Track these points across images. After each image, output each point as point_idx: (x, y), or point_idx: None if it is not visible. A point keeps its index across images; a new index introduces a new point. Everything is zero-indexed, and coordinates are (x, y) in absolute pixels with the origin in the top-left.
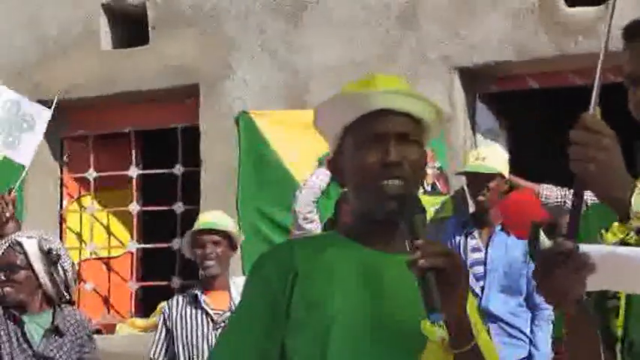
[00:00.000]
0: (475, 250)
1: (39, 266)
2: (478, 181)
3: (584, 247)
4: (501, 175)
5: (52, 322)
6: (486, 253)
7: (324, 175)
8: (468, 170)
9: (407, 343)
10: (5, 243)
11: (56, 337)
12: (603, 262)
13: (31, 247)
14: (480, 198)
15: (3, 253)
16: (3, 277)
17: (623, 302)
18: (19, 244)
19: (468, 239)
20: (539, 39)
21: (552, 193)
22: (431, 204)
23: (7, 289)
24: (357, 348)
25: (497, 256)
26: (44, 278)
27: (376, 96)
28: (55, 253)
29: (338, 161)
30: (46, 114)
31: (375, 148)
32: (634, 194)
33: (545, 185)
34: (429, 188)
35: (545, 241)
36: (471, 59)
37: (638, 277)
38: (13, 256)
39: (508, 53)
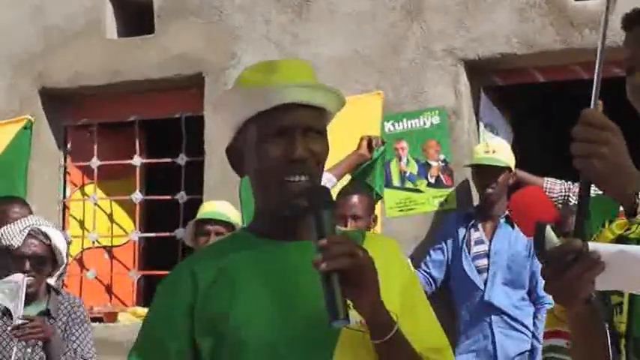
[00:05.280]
0: (478, 242)
1: (62, 259)
2: (487, 174)
3: (593, 246)
4: (509, 169)
5: (46, 306)
6: (490, 245)
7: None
8: (478, 163)
9: (324, 332)
10: (25, 230)
11: (49, 322)
12: (612, 261)
13: (58, 239)
14: (489, 191)
15: (26, 241)
16: (28, 267)
17: (626, 299)
18: (44, 234)
19: (472, 231)
20: (546, 32)
21: (555, 187)
22: (435, 197)
23: (31, 279)
24: (274, 350)
25: (501, 249)
26: (62, 269)
27: (282, 89)
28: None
29: (237, 150)
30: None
31: (280, 142)
32: None
33: (549, 179)
34: (433, 181)
35: (553, 239)
36: (477, 52)
37: None
38: (40, 246)
39: (514, 46)
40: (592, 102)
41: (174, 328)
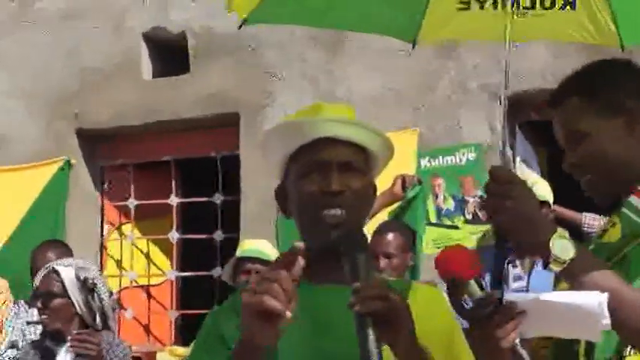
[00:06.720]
0: (517, 278)
1: (75, 294)
2: None
3: (509, 297)
4: (548, 204)
5: None
6: (528, 281)
7: None
8: None
9: None
10: (44, 270)
11: None
12: (530, 310)
13: (68, 275)
14: None
15: (41, 280)
16: (40, 305)
17: (582, 347)
18: (57, 272)
19: (510, 267)
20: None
21: (595, 222)
22: (472, 233)
23: (44, 317)
24: None
25: (539, 285)
26: (80, 306)
27: (319, 124)
28: (90, 281)
29: (283, 190)
30: None
31: (317, 176)
32: (552, 238)
33: (587, 214)
34: (470, 217)
35: (476, 293)
36: (512, 88)
37: (562, 322)
38: (50, 283)
39: (549, 81)
40: (500, 158)
41: (225, 333)
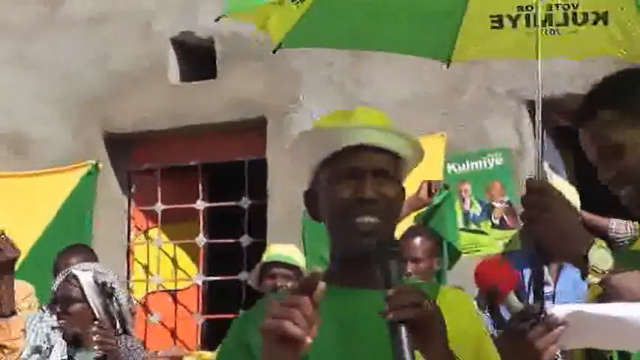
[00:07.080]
0: (544, 284)
1: (93, 299)
2: None
3: (552, 308)
4: (575, 210)
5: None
6: (555, 287)
7: None
8: None
9: None
10: (63, 275)
11: None
12: (572, 321)
13: (86, 280)
14: None
15: (60, 285)
16: (59, 310)
17: (616, 357)
18: (75, 276)
19: None
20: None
21: (622, 227)
22: (499, 238)
23: (63, 321)
24: None
25: (566, 291)
26: (99, 310)
27: (354, 131)
28: (109, 286)
29: (313, 194)
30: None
31: (350, 183)
32: (591, 249)
33: (614, 220)
34: (497, 222)
35: (516, 305)
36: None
37: (604, 334)
38: (68, 288)
39: (578, 86)
40: (536, 171)
41: (251, 341)
